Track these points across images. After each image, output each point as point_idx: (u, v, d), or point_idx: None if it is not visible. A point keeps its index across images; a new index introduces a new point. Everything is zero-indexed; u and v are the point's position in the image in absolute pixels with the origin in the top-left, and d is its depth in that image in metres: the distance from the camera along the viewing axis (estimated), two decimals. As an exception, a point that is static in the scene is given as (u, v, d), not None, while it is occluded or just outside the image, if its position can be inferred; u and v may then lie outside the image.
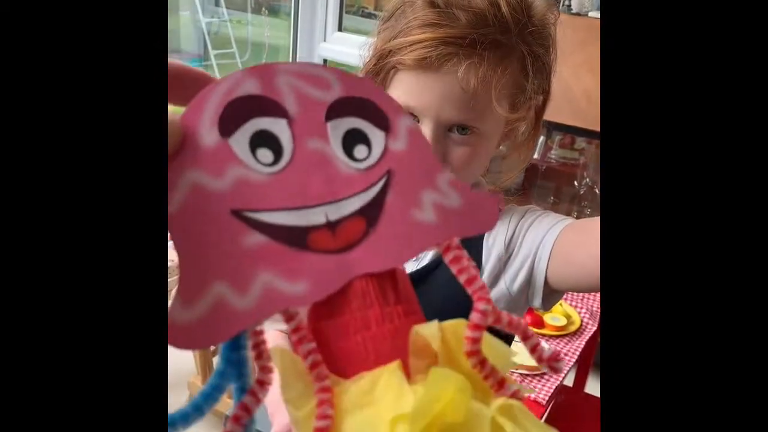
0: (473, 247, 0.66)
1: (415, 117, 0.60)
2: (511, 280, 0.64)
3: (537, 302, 0.64)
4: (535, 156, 2.10)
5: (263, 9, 4.26)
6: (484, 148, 0.62)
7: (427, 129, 0.59)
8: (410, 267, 0.67)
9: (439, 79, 0.57)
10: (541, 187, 2.17)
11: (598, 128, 2.13)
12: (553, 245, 0.61)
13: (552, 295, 0.64)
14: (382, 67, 0.61)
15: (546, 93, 0.64)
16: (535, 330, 1.38)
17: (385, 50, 0.60)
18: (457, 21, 0.56)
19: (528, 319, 1.40)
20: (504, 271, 0.65)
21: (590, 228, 0.58)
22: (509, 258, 0.65)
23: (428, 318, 0.68)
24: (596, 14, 2.00)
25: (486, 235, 0.66)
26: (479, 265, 0.65)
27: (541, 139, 2.07)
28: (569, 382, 1.62)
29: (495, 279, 0.65)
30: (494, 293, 0.65)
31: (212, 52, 4.39)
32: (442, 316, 0.69)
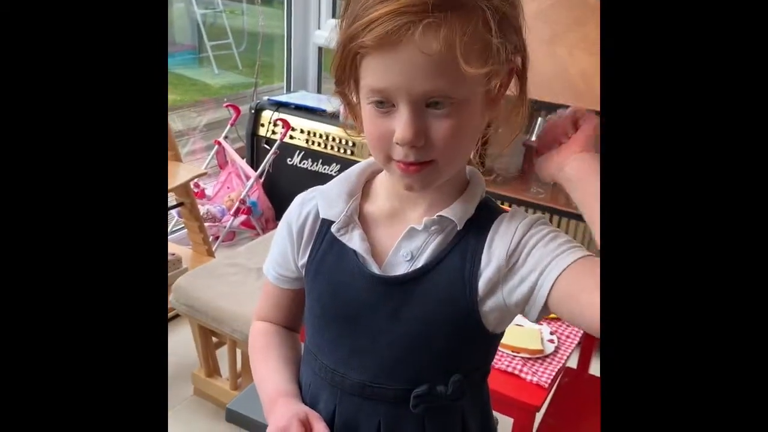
0: (473, 249, 0.65)
1: (390, 103, 0.59)
2: (509, 294, 0.63)
3: (531, 318, 0.64)
4: (533, 138, 2.09)
5: (257, -1, 4.23)
6: (468, 119, 0.60)
7: (403, 109, 0.58)
8: (405, 267, 0.66)
9: (402, 52, 0.56)
10: (541, 169, 2.15)
11: (595, 108, 2.10)
12: (558, 278, 0.60)
13: (547, 312, 0.63)
14: (347, 56, 0.60)
15: (523, 52, 0.62)
16: (537, 313, 1.38)
17: (347, 38, 0.59)
18: None
19: (529, 302, 1.40)
20: (503, 283, 0.63)
21: (597, 273, 0.54)
22: (509, 271, 0.63)
23: (418, 318, 0.66)
24: (592, -8, 1.98)
25: (488, 238, 0.65)
26: (477, 268, 0.64)
27: (539, 120, 2.05)
28: (573, 364, 1.62)
29: (492, 288, 0.64)
30: (490, 301, 0.64)
31: (208, 44, 4.36)
32: (437, 315, 0.66)
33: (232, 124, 2.71)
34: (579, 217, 2.00)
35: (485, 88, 0.60)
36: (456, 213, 0.65)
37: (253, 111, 2.71)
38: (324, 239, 0.69)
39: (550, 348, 1.29)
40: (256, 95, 2.95)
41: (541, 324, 1.36)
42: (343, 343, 0.68)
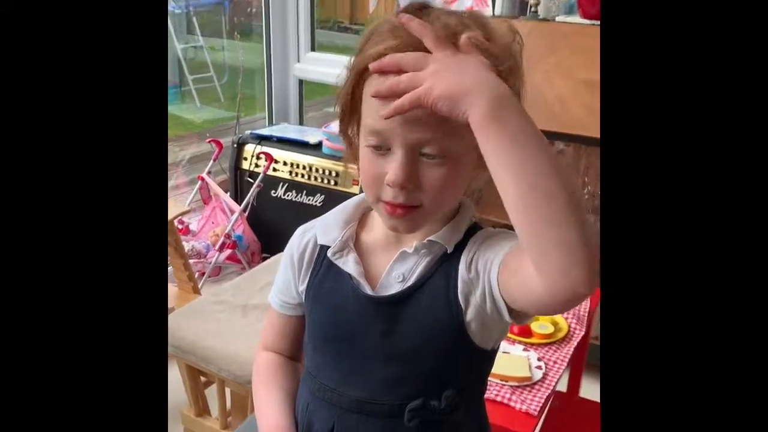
0: (455, 267, 0.68)
1: (386, 146, 0.62)
2: (481, 299, 0.66)
3: (507, 318, 0.66)
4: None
5: (236, 33, 4.26)
6: (459, 171, 0.63)
7: (398, 152, 0.61)
8: (397, 288, 0.69)
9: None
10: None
11: (573, 131, 2.13)
12: (499, 270, 0.63)
13: (522, 315, 0.65)
14: (354, 91, 0.63)
15: None
16: (523, 339, 1.38)
17: (356, 69, 0.62)
18: (415, 37, 0.58)
19: (516, 328, 1.40)
20: (472, 291, 0.66)
21: (514, 259, 0.60)
22: (471, 281, 0.66)
23: (409, 335, 0.68)
24: (563, 19, 2.02)
25: (461, 257, 0.67)
26: (456, 283, 0.67)
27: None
28: (562, 387, 1.62)
29: (468, 299, 0.67)
30: (470, 312, 0.67)
31: (189, 77, 4.38)
32: (426, 333, 0.71)
33: (214, 160, 2.71)
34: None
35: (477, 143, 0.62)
36: (445, 237, 0.68)
37: (235, 145, 2.72)
38: (322, 264, 0.73)
39: (538, 374, 1.30)
40: (239, 128, 2.97)
41: (528, 350, 1.36)
42: (341, 362, 0.72)
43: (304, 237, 0.76)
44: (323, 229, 0.73)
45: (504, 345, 1.38)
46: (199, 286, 2.32)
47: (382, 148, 0.62)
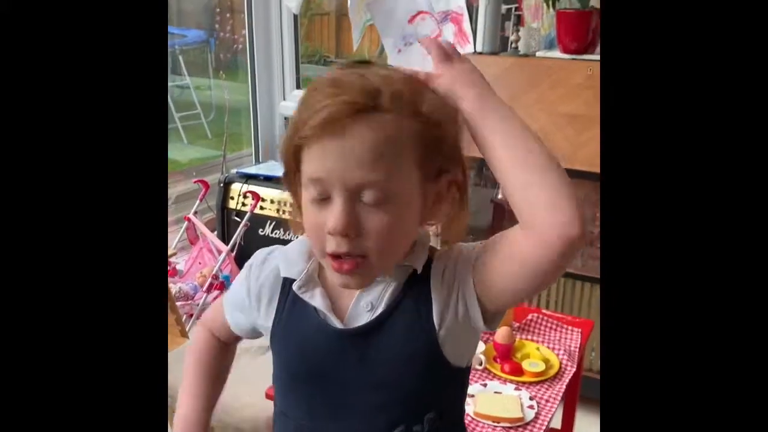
0: (424, 289, 0.68)
1: (326, 194, 0.62)
2: (454, 309, 0.67)
3: (481, 325, 0.67)
4: (500, 195, 2.12)
5: (221, 72, 4.30)
6: (402, 215, 0.63)
7: (337, 199, 0.61)
8: (366, 317, 0.69)
9: (339, 140, 0.60)
10: (510, 224, 2.17)
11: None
12: (472, 269, 0.65)
13: (494, 316, 0.67)
14: (290, 145, 0.64)
15: (463, 169, 0.67)
16: (515, 378, 1.37)
17: (293, 128, 0.63)
18: (352, 89, 0.60)
19: (507, 367, 1.39)
20: (447, 305, 0.67)
21: (492, 246, 0.65)
22: (445, 291, 0.67)
23: (385, 362, 0.68)
24: (543, 54, 2.05)
25: (431, 274, 0.68)
26: (429, 305, 0.67)
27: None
28: (557, 424, 1.60)
29: (443, 316, 0.67)
30: (443, 330, 0.67)
31: (176, 115, 4.39)
32: (401, 358, 0.71)
33: (201, 200, 2.70)
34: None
35: (421, 189, 0.64)
36: (414, 260, 0.69)
37: (222, 185, 2.72)
38: (287, 299, 0.72)
39: (530, 414, 1.28)
40: (225, 165, 2.97)
41: (520, 389, 1.35)
42: (317, 400, 0.71)
43: (265, 266, 0.75)
44: (286, 262, 0.72)
45: (495, 385, 1.36)
46: (187, 329, 2.29)
47: (322, 198, 0.62)
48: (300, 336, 0.71)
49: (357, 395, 0.69)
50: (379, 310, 0.69)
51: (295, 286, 0.70)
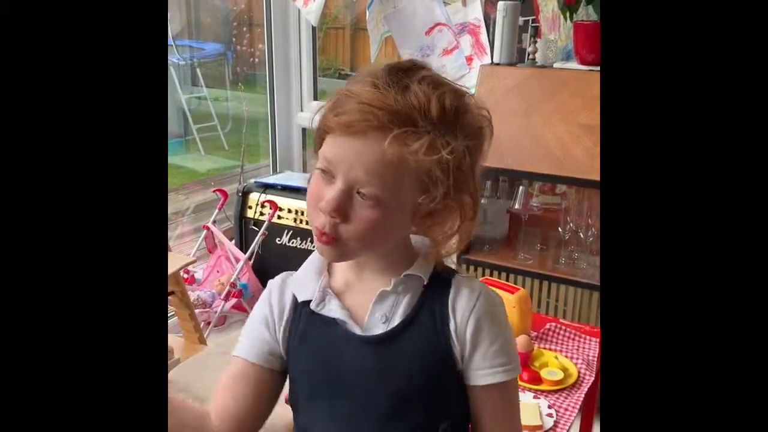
0: (440, 305, 0.71)
1: (332, 174, 0.66)
2: (461, 351, 0.71)
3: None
4: (517, 206, 2.12)
5: (239, 84, 4.35)
6: (388, 218, 0.66)
7: (339, 183, 0.65)
8: (381, 329, 0.71)
9: (355, 141, 0.64)
10: (527, 234, 2.18)
11: (574, 174, 2.14)
12: (480, 387, 0.72)
13: None
14: (321, 127, 0.68)
15: (473, 194, 0.69)
16: (533, 386, 1.37)
17: (323, 120, 0.68)
18: (386, 105, 0.63)
19: (525, 376, 1.39)
20: (459, 343, 0.71)
21: (507, 402, 0.75)
22: (462, 340, 0.71)
23: (405, 372, 0.71)
24: (561, 65, 2.07)
25: (450, 297, 0.71)
26: (447, 320, 0.70)
27: (521, 188, 2.10)
28: (575, 434, 1.59)
29: (455, 339, 0.71)
30: (456, 350, 0.71)
31: (194, 126, 4.45)
32: (418, 369, 0.73)
33: (219, 209, 2.73)
34: (567, 282, 2.01)
35: (415, 206, 0.67)
36: (420, 270, 0.71)
37: (240, 194, 2.75)
38: (301, 317, 0.74)
39: (549, 422, 1.28)
40: (243, 177, 3.00)
41: (539, 398, 1.35)
42: (337, 407, 0.72)
43: (284, 288, 0.76)
44: (299, 287, 0.75)
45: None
46: (205, 336, 2.31)
47: (328, 174, 0.66)
48: (318, 346, 0.73)
49: (375, 404, 0.71)
50: (395, 322, 0.71)
51: (312, 305, 0.73)
